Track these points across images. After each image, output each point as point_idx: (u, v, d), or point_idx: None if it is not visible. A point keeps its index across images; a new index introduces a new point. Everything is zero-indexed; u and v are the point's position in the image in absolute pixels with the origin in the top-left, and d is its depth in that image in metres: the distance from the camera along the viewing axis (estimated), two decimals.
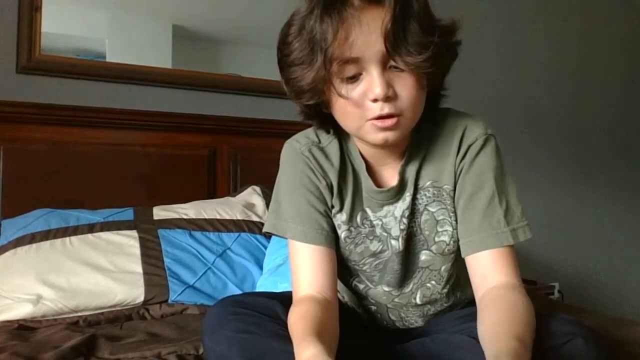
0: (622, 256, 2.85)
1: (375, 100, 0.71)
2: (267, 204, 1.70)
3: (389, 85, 0.71)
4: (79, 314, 1.27)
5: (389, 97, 0.71)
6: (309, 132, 0.88)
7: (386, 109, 0.71)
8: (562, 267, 2.60)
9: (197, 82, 1.90)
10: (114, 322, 1.25)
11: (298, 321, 0.71)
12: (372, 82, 0.70)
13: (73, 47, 1.76)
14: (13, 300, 1.25)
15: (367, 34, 0.69)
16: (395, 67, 0.71)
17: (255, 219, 1.64)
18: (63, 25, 1.74)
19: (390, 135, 0.74)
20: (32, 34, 1.65)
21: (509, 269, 0.77)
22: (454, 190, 0.83)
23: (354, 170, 0.86)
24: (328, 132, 0.86)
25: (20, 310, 1.23)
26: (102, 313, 1.28)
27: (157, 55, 1.88)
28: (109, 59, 1.79)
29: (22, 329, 1.17)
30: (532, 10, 2.69)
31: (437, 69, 0.73)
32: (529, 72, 2.67)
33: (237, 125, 1.92)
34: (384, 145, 0.77)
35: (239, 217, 1.62)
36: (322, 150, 0.85)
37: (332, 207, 0.85)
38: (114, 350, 1.01)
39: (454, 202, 0.83)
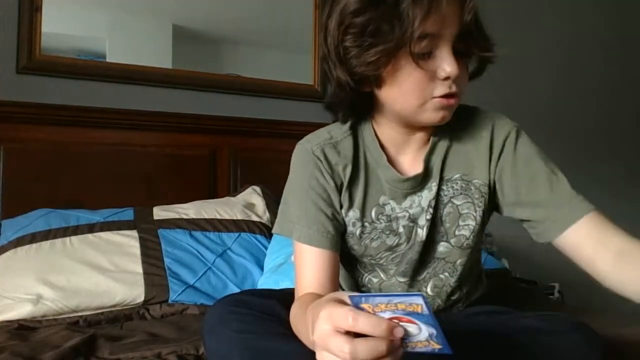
0: None
1: (447, 78, 0.73)
2: (267, 204, 1.71)
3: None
4: (79, 314, 1.27)
5: (457, 77, 0.73)
6: (321, 130, 0.87)
7: (454, 87, 0.74)
8: (562, 267, 2.58)
9: (197, 82, 1.90)
10: (114, 322, 1.25)
11: (298, 309, 0.71)
12: (446, 60, 0.72)
13: (73, 47, 1.76)
14: (13, 300, 1.25)
15: (451, 13, 0.70)
16: (457, 51, 0.73)
17: (255, 219, 1.64)
18: (63, 25, 1.74)
19: (447, 115, 0.77)
20: (32, 34, 1.65)
21: (615, 227, 0.76)
22: (488, 186, 0.84)
23: (367, 165, 0.85)
24: (355, 120, 0.85)
25: (20, 310, 1.23)
26: (102, 313, 1.28)
27: (157, 55, 1.88)
28: (109, 59, 1.79)
29: (22, 329, 1.17)
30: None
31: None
32: (534, 71, 2.67)
33: (237, 125, 1.92)
34: (439, 123, 0.78)
35: (239, 217, 1.62)
36: (334, 146, 0.84)
37: (342, 206, 0.84)
38: (114, 350, 1.01)
39: (483, 196, 0.84)
